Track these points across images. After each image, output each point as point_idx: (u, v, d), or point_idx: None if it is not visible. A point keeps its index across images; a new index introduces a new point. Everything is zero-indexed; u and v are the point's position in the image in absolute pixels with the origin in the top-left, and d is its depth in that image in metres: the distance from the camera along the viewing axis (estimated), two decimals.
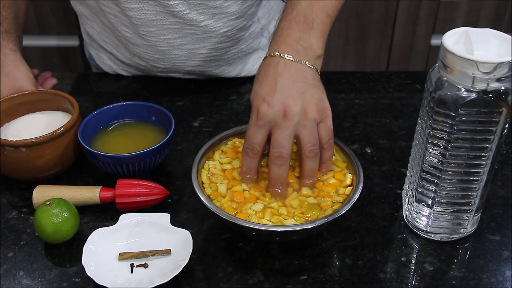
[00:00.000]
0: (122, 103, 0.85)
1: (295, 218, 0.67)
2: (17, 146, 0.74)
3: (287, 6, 0.75)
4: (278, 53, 0.70)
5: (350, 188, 0.70)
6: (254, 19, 0.98)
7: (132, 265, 0.67)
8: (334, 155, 0.75)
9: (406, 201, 0.72)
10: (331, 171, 0.72)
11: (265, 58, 0.72)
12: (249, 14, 0.96)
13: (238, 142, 0.77)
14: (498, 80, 0.57)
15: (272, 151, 0.68)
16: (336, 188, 0.70)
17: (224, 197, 0.69)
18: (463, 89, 0.59)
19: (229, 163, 0.74)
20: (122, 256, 0.67)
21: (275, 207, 0.68)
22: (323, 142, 0.70)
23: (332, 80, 1.05)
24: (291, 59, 0.70)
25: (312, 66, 0.71)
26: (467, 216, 0.68)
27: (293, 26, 0.72)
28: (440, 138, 0.62)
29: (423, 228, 0.70)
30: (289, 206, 0.69)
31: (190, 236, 0.67)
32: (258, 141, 0.69)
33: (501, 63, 0.56)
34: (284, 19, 0.73)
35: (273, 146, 0.68)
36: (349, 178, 0.71)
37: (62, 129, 0.76)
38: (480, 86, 0.58)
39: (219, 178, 0.72)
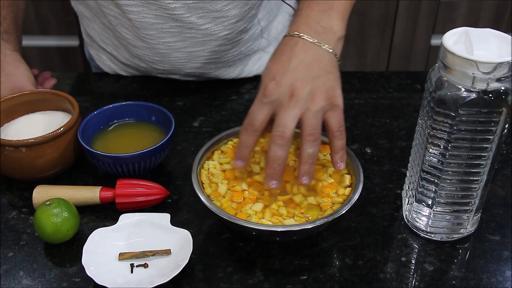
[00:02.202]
0: (122, 103, 0.85)
1: (295, 218, 0.67)
2: (17, 146, 0.74)
3: None
4: (298, 33, 0.69)
5: (350, 188, 0.70)
6: (254, 21, 0.98)
7: (132, 265, 0.67)
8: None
9: (406, 201, 0.72)
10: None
11: (284, 36, 0.70)
12: (249, 16, 0.96)
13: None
14: (498, 80, 0.57)
15: (274, 130, 0.65)
16: (335, 189, 0.70)
17: (224, 197, 0.69)
18: (463, 89, 0.59)
19: (228, 163, 0.74)
20: (122, 256, 0.67)
21: (275, 207, 0.68)
22: (333, 130, 0.68)
23: None
24: (311, 40, 0.68)
25: (331, 50, 0.69)
26: (467, 216, 0.68)
27: (313, 6, 0.71)
28: (440, 138, 0.62)
29: (423, 228, 0.70)
30: (289, 206, 0.68)
31: (190, 236, 0.67)
32: (260, 118, 0.66)
33: (501, 63, 0.56)
34: (304, 1, 0.72)
35: (276, 125, 0.65)
36: (347, 179, 0.71)
37: (62, 129, 0.76)
38: (480, 86, 0.58)
39: (219, 178, 0.72)
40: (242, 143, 0.68)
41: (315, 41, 0.68)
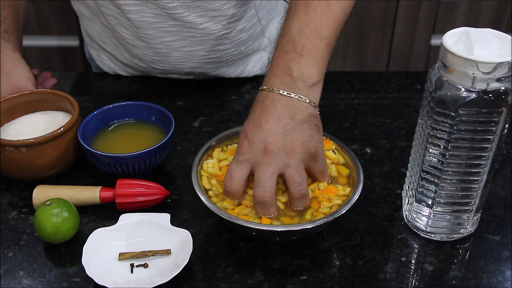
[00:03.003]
0: (122, 103, 0.85)
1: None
2: (17, 146, 0.74)
3: (279, 35, 0.71)
4: (267, 87, 0.68)
5: (350, 188, 0.70)
6: (254, 21, 0.98)
7: (132, 265, 0.67)
8: (335, 155, 0.75)
9: (406, 201, 0.72)
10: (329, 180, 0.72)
11: (258, 91, 0.70)
12: (248, 16, 0.96)
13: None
14: (498, 80, 0.57)
15: (255, 191, 0.65)
16: (335, 194, 0.70)
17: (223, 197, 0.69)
18: (463, 89, 0.59)
19: (226, 159, 0.74)
20: (122, 256, 0.67)
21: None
22: (317, 178, 0.70)
23: (332, 80, 1.05)
24: (280, 92, 0.67)
25: (304, 98, 0.67)
26: (467, 216, 0.68)
27: (282, 56, 0.69)
28: (440, 138, 0.62)
29: (423, 228, 0.70)
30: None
31: (190, 236, 0.67)
32: (237, 176, 0.66)
33: (501, 63, 0.56)
34: (276, 49, 0.71)
35: (255, 185, 0.65)
36: (346, 190, 0.71)
37: (62, 129, 0.76)
38: (480, 86, 0.58)
39: (217, 177, 0.72)
40: (229, 199, 0.69)
41: (285, 93, 0.67)
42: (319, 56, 0.69)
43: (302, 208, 0.68)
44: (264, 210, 0.66)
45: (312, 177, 0.70)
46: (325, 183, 0.70)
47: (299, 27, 0.69)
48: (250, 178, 0.69)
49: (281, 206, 0.68)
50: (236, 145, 0.76)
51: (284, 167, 0.65)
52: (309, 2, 0.70)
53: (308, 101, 0.67)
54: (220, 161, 0.74)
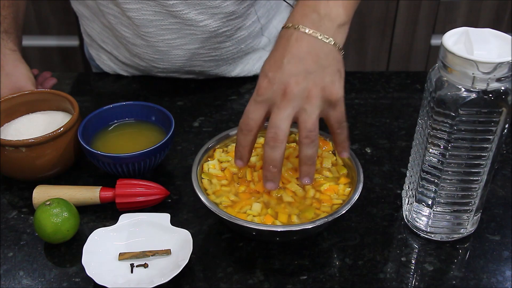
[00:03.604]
0: (122, 103, 0.85)
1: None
2: (17, 146, 0.74)
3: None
4: (292, 24, 0.65)
5: (350, 188, 0.70)
6: (253, 19, 0.98)
7: (132, 265, 0.67)
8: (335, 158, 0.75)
9: (406, 201, 0.72)
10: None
11: (281, 29, 0.67)
12: (248, 13, 0.96)
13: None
14: (498, 80, 0.57)
15: (268, 131, 0.63)
16: (335, 192, 0.70)
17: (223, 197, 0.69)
18: (463, 89, 0.59)
19: (228, 161, 0.74)
20: (122, 256, 0.67)
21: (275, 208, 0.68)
22: (334, 128, 0.66)
23: None
24: (306, 31, 0.64)
25: (328, 40, 0.64)
26: (467, 216, 0.68)
27: None
28: (440, 138, 0.62)
29: (423, 228, 0.70)
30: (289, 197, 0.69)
31: (190, 236, 0.67)
32: (254, 117, 0.64)
33: (501, 63, 0.56)
34: None
35: (269, 126, 0.63)
36: (346, 191, 0.71)
37: (62, 129, 0.76)
38: (480, 86, 0.58)
39: (219, 179, 0.72)
40: (239, 143, 0.67)
41: (311, 31, 0.64)
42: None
43: (310, 183, 0.66)
44: (273, 152, 0.63)
45: (330, 126, 0.67)
46: (327, 185, 0.70)
47: None
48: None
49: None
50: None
51: (300, 111, 0.63)
52: None
53: (333, 43, 0.65)
54: (221, 162, 0.74)
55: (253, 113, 0.65)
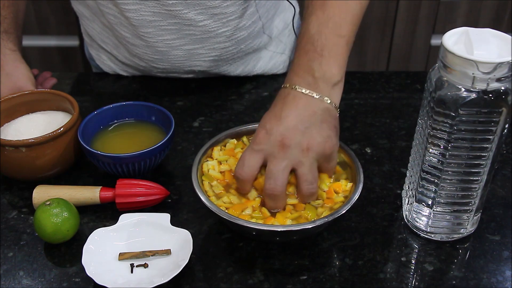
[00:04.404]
0: (122, 103, 0.85)
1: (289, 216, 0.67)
2: (17, 146, 0.74)
3: (298, 36, 0.71)
4: (290, 85, 0.68)
5: (350, 188, 0.70)
6: (253, 19, 0.98)
7: (132, 265, 0.67)
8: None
9: (406, 201, 0.72)
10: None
11: (280, 88, 0.70)
12: (248, 13, 0.96)
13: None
14: (498, 80, 0.57)
15: (266, 183, 0.65)
16: (337, 191, 0.70)
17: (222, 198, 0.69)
18: (463, 89, 0.59)
19: (227, 161, 0.74)
20: (122, 256, 0.67)
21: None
22: (323, 178, 0.69)
23: None
24: (302, 91, 0.67)
25: (325, 99, 0.67)
26: (467, 216, 0.68)
27: (303, 56, 0.69)
28: (440, 138, 0.62)
29: (423, 228, 0.70)
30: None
31: (190, 236, 0.67)
32: (249, 164, 0.66)
33: (501, 63, 0.56)
34: (296, 49, 0.71)
35: (267, 177, 0.65)
36: (348, 185, 0.71)
37: (62, 129, 0.76)
38: (480, 86, 0.58)
39: (219, 180, 0.72)
40: (239, 189, 0.69)
41: (307, 91, 0.67)
42: (339, 55, 0.69)
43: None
44: (273, 203, 0.66)
45: (320, 171, 0.69)
46: (329, 182, 0.71)
47: (318, 26, 0.69)
48: (258, 176, 0.69)
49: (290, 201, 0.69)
50: (234, 143, 0.76)
51: (298, 163, 0.65)
52: (325, 1, 0.70)
53: (329, 101, 0.68)
54: (220, 163, 0.74)
55: (250, 160, 0.67)
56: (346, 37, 0.70)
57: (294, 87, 0.68)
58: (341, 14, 0.70)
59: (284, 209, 0.67)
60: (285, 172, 0.65)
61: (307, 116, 0.66)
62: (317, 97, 0.67)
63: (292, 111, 0.67)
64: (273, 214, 0.67)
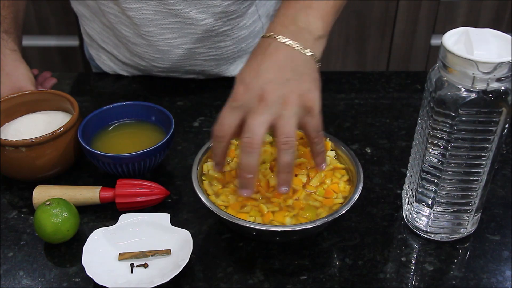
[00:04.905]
0: (122, 103, 0.85)
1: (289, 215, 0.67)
2: (17, 146, 0.74)
3: None
4: (272, 34, 0.66)
5: (350, 186, 0.70)
6: (254, 18, 0.98)
7: (132, 265, 0.67)
8: (336, 155, 0.75)
9: (406, 201, 0.72)
10: (328, 166, 0.71)
11: (260, 38, 0.68)
12: (249, 13, 0.96)
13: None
14: (498, 80, 0.57)
15: (243, 137, 0.62)
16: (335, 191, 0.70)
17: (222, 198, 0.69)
18: (463, 89, 0.59)
19: (228, 162, 0.74)
20: (122, 256, 0.67)
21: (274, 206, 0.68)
22: (311, 137, 0.65)
23: (332, 80, 1.05)
24: (284, 41, 0.65)
25: (307, 51, 0.65)
26: (467, 216, 0.68)
27: (291, 5, 0.67)
28: (440, 138, 0.62)
29: (423, 228, 0.70)
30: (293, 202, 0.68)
31: (190, 236, 0.67)
32: (228, 122, 0.63)
33: (501, 63, 0.56)
34: (282, 2, 0.69)
35: (244, 131, 0.62)
36: (346, 187, 0.71)
37: (62, 129, 0.76)
38: (480, 86, 0.58)
39: (219, 181, 0.72)
40: (214, 149, 0.66)
41: (289, 41, 0.65)
42: (326, 11, 0.68)
43: (287, 191, 0.64)
44: (248, 158, 0.62)
45: (307, 136, 0.66)
46: (329, 182, 0.70)
47: None
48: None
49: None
50: (235, 143, 0.76)
51: (277, 117, 0.62)
52: None
53: (311, 53, 0.66)
54: None
55: (227, 118, 0.64)
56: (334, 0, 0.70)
57: (276, 36, 0.65)
58: None
59: (256, 170, 0.63)
60: (263, 126, 0.62)
61: (288, 69, 0.64)
62: (299, 48, 0.65)
63: (272, 63, 0.64)
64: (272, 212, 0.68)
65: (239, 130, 0.64)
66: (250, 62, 0.66)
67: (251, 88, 0.63)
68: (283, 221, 0.66)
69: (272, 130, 0.63)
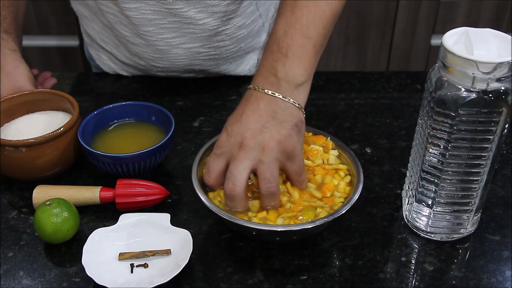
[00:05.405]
0: (122, 103, 0.85)
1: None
2: (17, 146, 0.74)
3: (268, 36, 0.71)
4: (253, 86, 0.69)
5: (349, 187, 0.70)
6: (253, 17, 0.98)
7: (132, 265, 0.67)
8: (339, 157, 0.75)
9: (406, 201, 0.72)
10: (331, 166, 0.72)
11: (247, 89, 0.71)
12: (248, 12, 0.96)
13: None
14: (498, 80, 0.57)
15: (225, 184, 0.66)
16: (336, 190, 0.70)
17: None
18: (463, 89, 0.59)
19: None
20: (122, 256, 0.67)
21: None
22: (293, 181, 0.69)
23: (332, 80, 1.05)
24: (265, 92, 0.67)
25: (286, 99, 0.67)
26: (467, 216, 0.68)
27: (268, 56, 0.69)
28: (440, 138, 0.62)
29: (423, 228, 0.70)
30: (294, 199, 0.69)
31: (190, 236, 0.67)
32: (214, 169, 0.67)
33: (501, 63, 0.56)
34: (264, 50, 0.71)
35: (226, 178, 0.66)
36: (346, 189, 0.71)
37: (62, 129, 0.76)
38: (480, 86, 0.58)
39: None
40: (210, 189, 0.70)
41: (270, 92, 0.67)
42: (304, 56, 0.69)
43: (270, 208, 0.68)
44: (232, 203, 0.66)
45: (289, 179, 0.69)
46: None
47: (285, 27, 0.69)
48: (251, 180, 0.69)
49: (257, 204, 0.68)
50: None
51: (258, 163, 0.65)
52: (296, 2, 0.70)
53: (292, 101, 0.68)
54: None
55: (213, 165, 0.68)
56: (313, 39, 0.69)
57: (257, 88, 0.68)
58: (310, 16, 0.69)
59: (243, 209, 0.67)
60: (244, 172, 0.65)
61: (268, 116, 0.66)
62: (279, 97, 0.67)
63: (253, 112, 0.67)
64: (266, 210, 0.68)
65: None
66: (235, 112, 0.69)
67: (232, 135, 0.67)
68: (275, 221, 0.67)
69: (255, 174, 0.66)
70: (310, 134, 0.77)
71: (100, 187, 0.75)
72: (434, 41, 1.86)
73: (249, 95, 0.69)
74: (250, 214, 0.67)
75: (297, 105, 0.68)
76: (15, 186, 0.80)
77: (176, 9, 0.89)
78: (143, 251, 0.68)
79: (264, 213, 0.67)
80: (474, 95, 0.58)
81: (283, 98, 0.67)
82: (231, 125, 0.67)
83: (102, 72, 1.09)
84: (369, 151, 0.87)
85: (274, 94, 0.67)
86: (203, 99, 1.00)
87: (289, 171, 0.68)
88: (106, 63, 1.06)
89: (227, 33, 0.95)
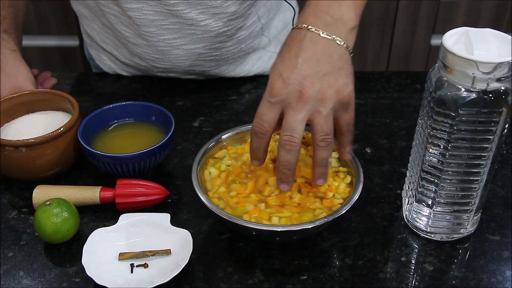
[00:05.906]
0: (122, 103, 0.85)
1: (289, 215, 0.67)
2: (17, 146, 0.74)
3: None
4: (306, 25, 0.64)
5: (350, 188, 0.70)
6: (254, 19, 0.98)
7: (132, 265, 0.67)
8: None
9: (406, 201, 0.72)
10: (331, 168, 0.72)
11: (292, 29, 0.66)
12: (248, 13, 0.96)
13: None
14: (498, 80, 0.57)
15: (282, 134, 0.62)
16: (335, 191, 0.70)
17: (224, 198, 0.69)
18: (463, 89, 0.59)
19: (229, 166, 0.74)
20: (122, 256, 0.67)
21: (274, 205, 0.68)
22: (342, 130, 0.66)
23: None
24: (319, 33, 0.64)
25: (342, 43, 0.64)
26: (467, 216, 0.68)
27: (318, 1, 0.66)
28: (440, 138, 0.62)
29: (423, 228, 0.70)
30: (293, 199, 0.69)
31: (190, 236, 0.67)
32: (268, 119, 0.63)
33: (501, 63, 0.56)
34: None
35: (283, 129, 0.62)
36: (347, 190, 0.71)
37: (62, 129, 0.76)
38: (480, 86, 0.58)
39: (219, 179, 0.72)
40: (253, 146, 0.66)
41: (325, 33, 0.64)
42: (358, 3, 0.68)
43: (323, 184, 0.67)
44: (288, 155, 0.63)
45: (338, 129, 0.67)
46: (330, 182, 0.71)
47: None
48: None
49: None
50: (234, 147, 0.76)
51: (315, 113, 0.62)
52: None
53: (346, 45, 0.65)
54: (220, 168, 0.74)
55: (267, 115, 0.64)
56: None
57: (311, 28, 0.64)
58: None
59: (294, 168, 0.65)
60: (302, 123, 0.62)
61: (325, 62, 0.63)
62: (335, 39, 0.64)
63: (309, 56, 0.63)
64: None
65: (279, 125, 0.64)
66: (285, 55, 0.65)
67: (290, 83, 0.62)
68: (269, 219, 0.67)
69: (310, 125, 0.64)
70: (310, 134, 0.77)
71: (100, 187, 0.75)
72: (434, 41, 1.86)
73: (301, 36, 0.64)
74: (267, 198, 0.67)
75: (349, 50, 0.66)
76: (15, 186, 0.80)
77: (177, 10, 0.89)
78: (143, 251, 0.68)
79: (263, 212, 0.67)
80: (474, 95, 0.58)
81: (339, 42, 0.65)
82: (287, 72, 0.63)
83: (102, 72, 1.09)
84: (369, 151, 0.87)
85: (330, 36, 0.64)
86: (203, 99, 1.00)
87: (341, 121, 0.65)
88: (106, 63, 1.06)
89: (228, 34, 0.95)
